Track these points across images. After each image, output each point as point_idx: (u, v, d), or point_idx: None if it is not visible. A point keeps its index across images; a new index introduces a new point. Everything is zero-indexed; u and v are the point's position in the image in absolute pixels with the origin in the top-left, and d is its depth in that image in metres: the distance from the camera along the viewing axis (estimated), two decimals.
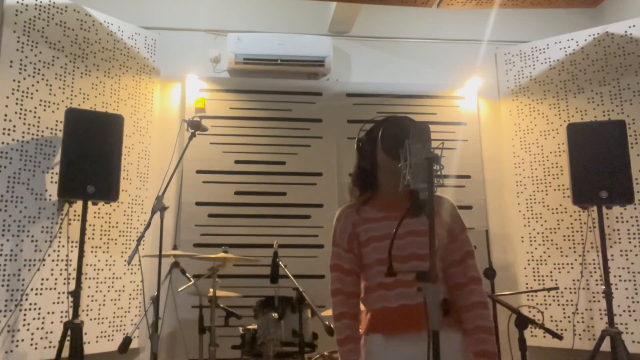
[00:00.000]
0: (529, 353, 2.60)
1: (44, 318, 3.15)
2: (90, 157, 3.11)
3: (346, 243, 1.79)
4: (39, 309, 3.14)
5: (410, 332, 1.67)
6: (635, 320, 3.46)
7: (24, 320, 3.07)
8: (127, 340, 2.55)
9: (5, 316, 2.99)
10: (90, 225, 3.38)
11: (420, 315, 1.69)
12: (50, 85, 3.36)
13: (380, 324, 1.72)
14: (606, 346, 3.12)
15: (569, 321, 3.67)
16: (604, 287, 3.23)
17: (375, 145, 1.81)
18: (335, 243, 1.83)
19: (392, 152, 1.64)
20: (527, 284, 3.89)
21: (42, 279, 3.17)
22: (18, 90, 3.21)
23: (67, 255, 3.27)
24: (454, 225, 1.77)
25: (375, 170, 1.84)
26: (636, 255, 3.53)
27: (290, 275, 2.96)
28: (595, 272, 3.64)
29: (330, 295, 1.80)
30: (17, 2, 3.26)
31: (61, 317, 3.21)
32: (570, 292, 3.72)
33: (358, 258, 1.79)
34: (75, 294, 3.00)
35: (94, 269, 3.41)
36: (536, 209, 3.94)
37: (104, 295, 3.44)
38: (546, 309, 3.78)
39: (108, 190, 3.16)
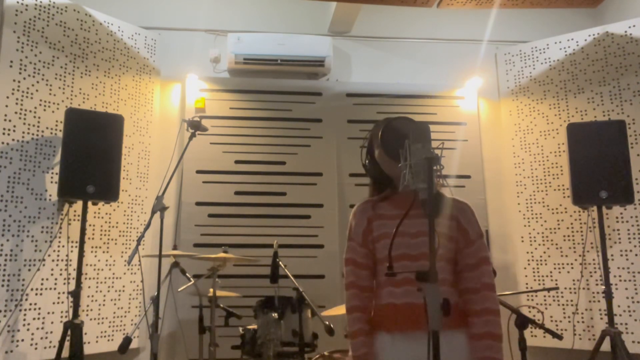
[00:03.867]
0: (529, 353, 2.59)
1: (44, 318, 3.15)
2: (90, 157, 3.11)
3: (361, 238, 1.81)
4: (39, 309, 3.14)
5: (414, 330, 1.68)
6: (635, 320, 3.46)
7: (24, 320, 3.07)
8: (127, 340, 2.55)
9: (5, 316, 2.99)
10: (90, 225, 3.38)
11: (423, 314, 1.71)
12: (50, 85, 3.36)
13: (385, 320, 1.74)
14: (606, 346, 3.12)
15: (569, 321, 3.67)
16: (604, 287, 3.23)
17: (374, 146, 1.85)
18: (350, 237, 1.85)
19: (392, 152, 1.64)
20: (527, 284, 3.89)
21: (42, 279, 3.17)
22: (18, 90, 3.21)
23: (67, 255, 3.27)
24: (470, 229, 1.78)
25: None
26: (636, 255, 3.53)
27: (290, 275, 2.96)
28: (595, 272, 3.64)
29: (345, 289, 1.82)
30: (17, 2, 3.26)
31: (61, 317, 3.21)
32: (570, 292, 3.72)
33: (372, 253, 1.81)
34: (75, 294, 3.00)
35: (94, 269, 3.41)
36: (536, 209, 3.94)
37: (104, 295, 3.44)
38: (546, 309, 3.78)
39: (108, 190, 3.16)
